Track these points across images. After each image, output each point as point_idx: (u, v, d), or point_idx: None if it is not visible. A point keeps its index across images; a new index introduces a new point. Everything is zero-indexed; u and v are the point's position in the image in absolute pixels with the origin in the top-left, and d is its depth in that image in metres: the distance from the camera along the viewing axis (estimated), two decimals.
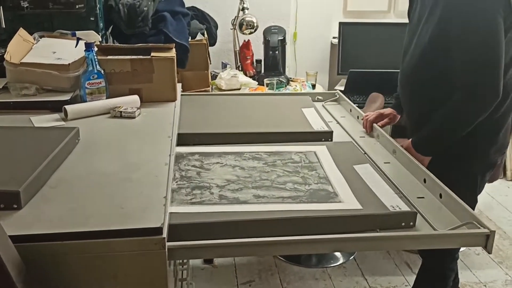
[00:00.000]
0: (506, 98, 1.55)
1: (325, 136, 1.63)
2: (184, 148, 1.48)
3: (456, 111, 1.51)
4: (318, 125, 1.71)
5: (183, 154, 1.44)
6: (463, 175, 1.61)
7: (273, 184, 1.28)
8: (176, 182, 1.26)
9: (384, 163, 1.49)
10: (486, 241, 1.07)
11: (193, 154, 1.45)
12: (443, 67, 1.52)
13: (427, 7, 1.56)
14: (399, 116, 1.84)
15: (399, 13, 3.37)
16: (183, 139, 1.54)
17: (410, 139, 1.61)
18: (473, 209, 1.59)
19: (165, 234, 0.92)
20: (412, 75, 1.64)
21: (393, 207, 1.16)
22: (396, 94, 1.86)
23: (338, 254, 2.56)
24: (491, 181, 2.33)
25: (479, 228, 1.09)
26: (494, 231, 1.07)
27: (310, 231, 1.07)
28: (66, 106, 1.57)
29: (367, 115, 1.76)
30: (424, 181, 1.35)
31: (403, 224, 1.13)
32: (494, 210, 3.00)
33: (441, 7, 1.48)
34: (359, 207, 1.16)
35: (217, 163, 1.40)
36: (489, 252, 1.08)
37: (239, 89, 2.77)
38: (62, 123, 1.54)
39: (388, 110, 1.83)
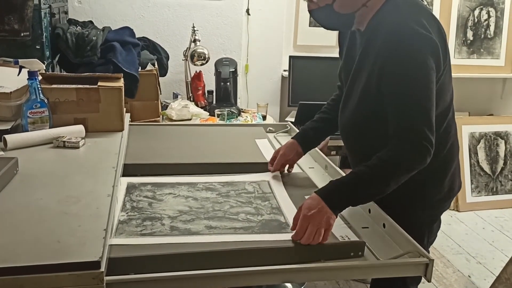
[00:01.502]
0: (445, 145, 1.42)
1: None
2: (136, 178, 1.47)
3: (388, 162, 1.24)
4: (270, 156, 1.70)
5: (135, 185, 1.42)
6: (408, 228, 1.33)
7: (225, 215, 1.28)
8: (127, 213, 1.24)
9: None
10: (426, 269, 1.10)
11: (145, 184, 1.43)
12: (377, 119, 1.35)
13: (355, 54, 1.42)
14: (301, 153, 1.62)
15: None
16: (130, 170, 1.51)
17: (315, 192, 1.24)
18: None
19: (103, 268, 0.89)
20: (351, 126, 1.48)
21: (343, 237, 1.17)
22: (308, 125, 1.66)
23: (288, 285, 2.54)
24: None
25: (419, 257, 1.12)
26: (433, 260, 1.10)
27: (260, 262, 1.07)
28: (5, 136, 1.52)
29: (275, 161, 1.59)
30: (369, 211, 1.37)
31: (352, 254, 1.15)
32: (437, 239, 3.03)
33: (372, 60, 1.32)
34: None
35: (170, 193, 1.38)
36: (428, 281, 1.11)
37: (190, 119, 2.77)
38: (1, 153, 1.48)
39: (292, 153, 1.60)
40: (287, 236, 1.17)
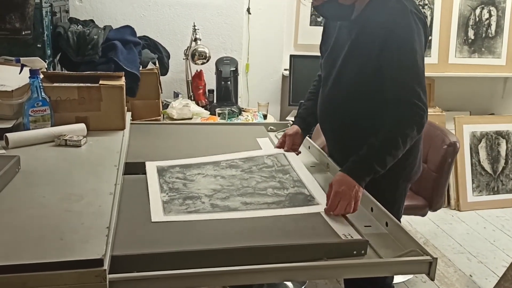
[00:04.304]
0: None
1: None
2: (163, 162, 1.55)
3: (398, 125, 1.43)
4: None
5: (164, 168, 1.51)
6: (391, 200, 1.57)
7: (255, 191, 1.40)
8: (167, 193, 1.34)
9: None
10: (429, 268, 1.10)
11: (173, 167, 1.52)
12: (377, 97, 1.51)
13: (346, 40, 1.57)
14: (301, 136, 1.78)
15: None
16: (132, 168, 1.51)
17: (340, 170, 1.42)
18: (399, 218, 1.68)
19: (106, 266, 0.88)
20: (343, 109, 1.61)
21: (345, 236, 1.17)
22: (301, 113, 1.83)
23: (289, 284, 2.54)
24: (435, 209, 2.40)
25: (422, 255, 1.11)
26: (437, 258, 1.10)
27: (261, 260, 1.06)
28: (7, 134, 1.52)
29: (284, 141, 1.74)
30: (371, 210, 1.37)
31: (354, 252, 1.14)
32: (439, 238, 3.09)
33: (367, 41, 1.49)
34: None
35: (199, 174, 1.48)
36: (432, 279, 1.10)
37: (190, 118, 2.76)
38: (3, 151, 1.48)
39: (296, 135, 1.76)
40: (315, 209, 1.31)
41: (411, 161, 1.65)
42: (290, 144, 1.72)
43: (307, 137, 1.91)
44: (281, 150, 1.69)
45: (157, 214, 1.22)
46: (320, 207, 1.32)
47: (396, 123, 1.44)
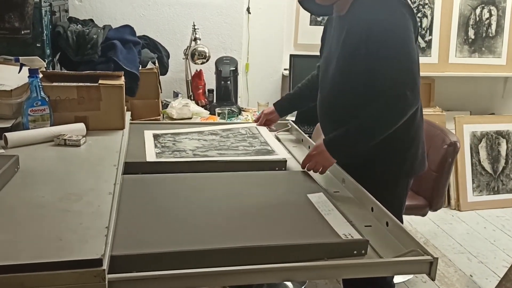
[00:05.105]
0: (417, 111, 1.62)
1: (279, 165, 1.65)
2: (157, 131, 1.87)
3: (378, 115, 1.50)
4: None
5: (158, 134, 1.84)
6: (394, 181, 1.67)
7: (229, 147, 1.74)
8: (159, 148, 1.67)
9: (334, 192, 1.51)
10: (430, 268, 1.09)
11: (166, 134, 1.86)
12: (366, 89, 1.55)
13: (338, 40, 1.60)
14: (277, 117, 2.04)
15: None
16: (131, 168, 1.50)
17: (323, 139, 1.57)
18: (401, 215, 1.71)
19: (105, 266, 0.88)
20: (337, 102, 1.66)
21: (346, 235, 1.17)
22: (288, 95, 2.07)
23: (289, 284, 2.54)
24: (435, 209, 2.40)
25: (423, 255, 1.11)
26: (437, 258, 1.09)
27: (261, 260, 1.06)
28: (6, 134, 1.51)
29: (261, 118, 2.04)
30: (372, 209, 1.37)
31: (355, 252, 1.14)
32: (439, 238, 3.09)
33: (356, 36, 1.53)
34: (288, 156, 1.70)
35: (186, 138, 1.83)
36: (433, 279, 1.10)
37: (190, 118, 2.76)
38: (2, 151, 1.47)
39: (272, 114, 2.03)
40: (273, 157, 1.66)
41: (413, 152, 1.66)
42: (263, 120, 2.02)
43: (307, 137, 1.96)
44: (254, 124, 2.03)
45: (151, 157, 1.57)
46: (277, 156, 1.66)
47: (384, 114, 1.49)
